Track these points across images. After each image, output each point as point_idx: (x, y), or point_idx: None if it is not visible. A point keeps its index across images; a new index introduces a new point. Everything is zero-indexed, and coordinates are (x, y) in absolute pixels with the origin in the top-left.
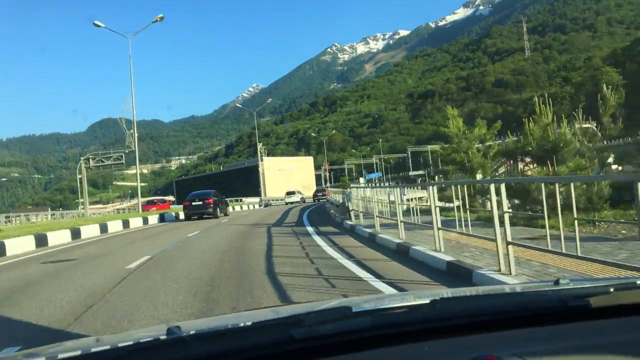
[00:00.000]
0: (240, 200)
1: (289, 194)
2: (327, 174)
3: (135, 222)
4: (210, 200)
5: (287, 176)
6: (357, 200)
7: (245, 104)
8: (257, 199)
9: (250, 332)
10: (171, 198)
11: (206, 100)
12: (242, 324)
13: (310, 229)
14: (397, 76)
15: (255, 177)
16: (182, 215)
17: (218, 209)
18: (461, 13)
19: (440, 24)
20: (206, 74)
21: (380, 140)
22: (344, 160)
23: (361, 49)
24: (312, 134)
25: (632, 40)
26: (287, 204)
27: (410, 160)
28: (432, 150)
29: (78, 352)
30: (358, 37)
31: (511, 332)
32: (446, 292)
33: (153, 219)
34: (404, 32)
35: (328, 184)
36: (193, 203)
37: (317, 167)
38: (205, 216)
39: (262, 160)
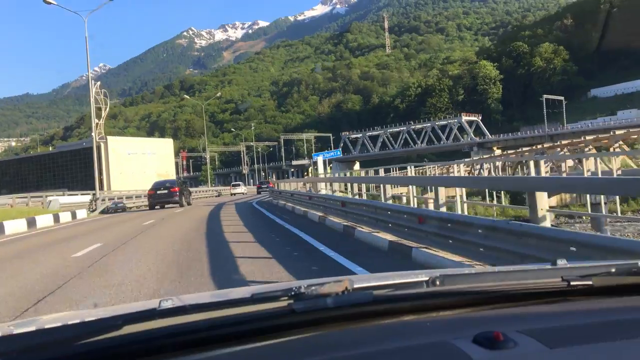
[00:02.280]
0: (47, 198)
1: (235, 185)
2: (184, 162)
3: None
4: (176, 188)
5: (141, 162)
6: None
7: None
8: (86, 197)
9: (250, 303)
10: None
11: (44, 77)
12: (241, 296)
13: None
14: (259, 64)
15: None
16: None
17: (183, 198)
18: (319, 10)
19: (300, 18)
20: (44, 48)
21: (253, 126)
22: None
23: (219, 35)
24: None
25: (506, 36)
26: (232, 194)
27: (283, 149)
28: (306, 139)
29: (77, 320)
30: (216, 23)
31: (513, 310)
32: (447, 270)
33: None
34: (263, 23)
35: (185, 173)
36: (158, 192)
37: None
38: (168, 205)
39: (98, 119)
